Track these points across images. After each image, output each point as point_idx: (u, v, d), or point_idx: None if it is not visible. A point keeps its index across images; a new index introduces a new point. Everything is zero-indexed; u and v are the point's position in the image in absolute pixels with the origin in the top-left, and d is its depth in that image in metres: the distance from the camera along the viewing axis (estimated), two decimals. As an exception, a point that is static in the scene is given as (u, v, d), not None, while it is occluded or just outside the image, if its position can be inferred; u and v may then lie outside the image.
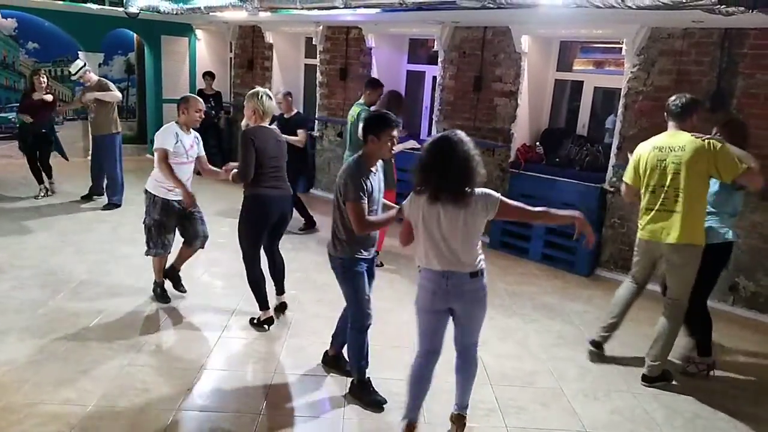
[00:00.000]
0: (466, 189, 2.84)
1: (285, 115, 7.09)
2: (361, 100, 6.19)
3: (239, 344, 4.27)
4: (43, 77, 7.23)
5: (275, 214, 4.36)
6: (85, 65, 7.42)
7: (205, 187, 8.43)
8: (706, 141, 3.69)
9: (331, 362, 3.93)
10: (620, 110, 5.98)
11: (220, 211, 7.71)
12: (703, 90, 5.37)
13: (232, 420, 3.31)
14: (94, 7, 9.93)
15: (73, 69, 7.37)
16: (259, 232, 4.33)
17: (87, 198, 7.64)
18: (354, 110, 6.11)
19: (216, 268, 5.70)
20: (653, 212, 3.86)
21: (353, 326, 3.53)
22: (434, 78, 7.70)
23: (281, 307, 4.75)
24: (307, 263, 5.92)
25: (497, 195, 2.97)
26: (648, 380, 4.02)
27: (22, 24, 9.87)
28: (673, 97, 3.92)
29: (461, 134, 2.95)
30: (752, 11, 3.73)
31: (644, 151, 3.93)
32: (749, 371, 4.32)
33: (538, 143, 6.89)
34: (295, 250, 6.29)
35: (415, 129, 8.35)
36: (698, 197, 3.75)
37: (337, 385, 3.75)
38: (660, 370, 4.01)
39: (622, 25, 5.65)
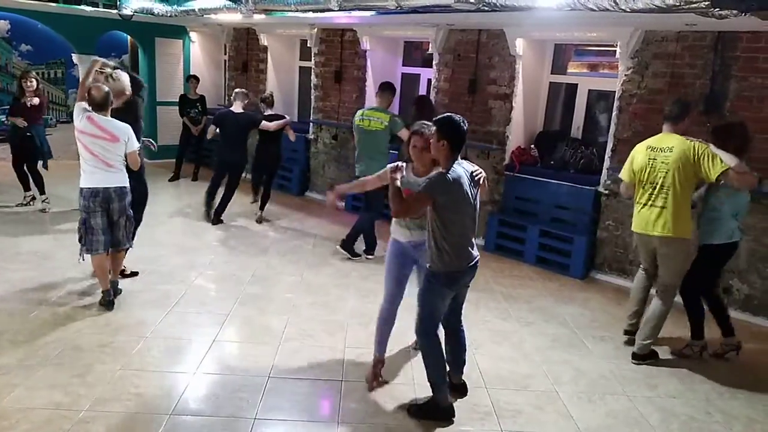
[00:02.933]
0: None
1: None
2: (379, 105, 6.10)
3: (233, 348, 4.25)
4: (31, 80, 7.14)
5: None
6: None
7: (198, 189, 8.40)
8: (693, 143, 4.06)
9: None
10: (614, 113, 5.99)
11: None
12: (697, 93, 5.39)
13: (226, 425, 3.28)
14: (88, 9, 9.91)
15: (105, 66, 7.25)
16: None
17: None
18: (374, 114, 5.99)
19: (210, 272, 5.67)
20: (644, 207, 4.25)
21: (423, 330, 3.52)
22: (429, 81, 7.70)
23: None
24: (302, 267, 5.90)
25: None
26: (638, 358, 4.34)
27: (15, 26, 9.84)
28: (669, 103, 4.33)
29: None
30: (745, 14, 3.75)
31: (638, 151, 4.32)
32: (743, 374, 4.33)
33: (532, 146, 6.90)
34: (291, 253, 6.27)
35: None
36: (684, 195, 4.11)
37: (332, 388, 3.73)
38: (649, 349, 4.36)
39: (616, 28, 5.67)
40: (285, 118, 7.33)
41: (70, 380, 3.59)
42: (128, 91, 4.95)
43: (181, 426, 3.26)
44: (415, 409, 3.49)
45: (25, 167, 7.36)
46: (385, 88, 6.17)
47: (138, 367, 3.82)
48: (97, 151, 4.47)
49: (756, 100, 5.14)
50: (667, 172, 4.08)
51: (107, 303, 4.63)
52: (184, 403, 3.46)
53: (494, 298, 5.42)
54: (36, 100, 7.04)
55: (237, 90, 7.39)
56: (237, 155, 7.19)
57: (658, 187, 4.13)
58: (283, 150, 7.59)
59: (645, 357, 4.34)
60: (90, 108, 4.49)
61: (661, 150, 4.13)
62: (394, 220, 3.65)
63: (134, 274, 5.30)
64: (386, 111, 6.05)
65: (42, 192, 7.33)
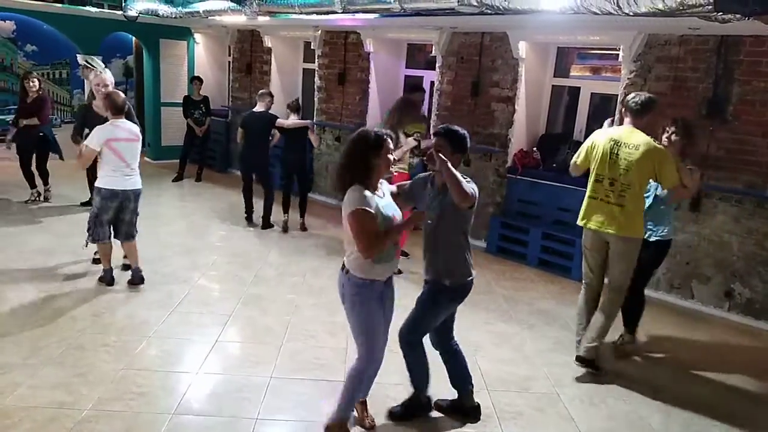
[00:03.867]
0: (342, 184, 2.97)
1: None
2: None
3: (235, 348, 4.27)
4: (33, 81, 7.19)
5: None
6: (98, 67, 7.30)
7: (201, 190, 8.44)
8: (658, 147, 3.94)
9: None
10: (617, 116, 5.99)
11: (219, 214, 7.71)
12: (700, 97, 5.40)
13: (228, 425, 3.30)
14: (93, 10, 9.96)
15: (95, 64, 7.32)
16: None
17: (87, 204, 7.47)
18: None
19: (213, 272, 5.69)
20: (596, 202, 4.07)
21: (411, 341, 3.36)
22: (432, 83, 7.72)
23: None
24: (304, 268, 5.92)
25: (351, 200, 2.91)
26: (581, 361, 4.13)
27: (20, 26, 9.88)
28: (632, 95, 4.13)
29: (362, 132, 3.02)
30: (748, 18, 3.76)
31: (599, 140, 4.09)
32: (744, 377, 4.32)
33: (535, 149, 6.91)
34: (293, 254, 6.29)
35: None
36: (642, 193, 4.01)
37: (334, 389, 3.73)
38: (596, 353, 4.12)
39: (619, 31, 5.68)
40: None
41: (73, 379, 3.60)
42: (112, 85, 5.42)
43: (183, 426, 3.27)
44: (448, 407, 3.52)
45: (32, 167, 7.43)
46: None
47: (140, 367, 3.83)
48: (127, 156, 4.86)
49: (759, 104, 5.14)
50: (628, 170, 3.91)
51: (108, 280, 5.06)
52: (187, 403, 3.47)
53: (496, 301, 5.43)
54: (34, 121, 7.18)
55: (261, 91, 7.41)
56: (259, 156, 7.17)
57: (617, 183, 3.95)
58: (307, 153, 7.46)
59: (590, 362, 4.10)
60: (109, 115, 4.86)
61: (625, 145, 3.94)
62: (369, 258, 2.92)
63: (127, 267, 5.32)
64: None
65: (46, 183, 7.50)
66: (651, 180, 4.02)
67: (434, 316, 3.31)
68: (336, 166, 2.99)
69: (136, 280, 5.09)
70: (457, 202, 3.01)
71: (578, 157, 4.24)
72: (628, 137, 3.98)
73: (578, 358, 4.14)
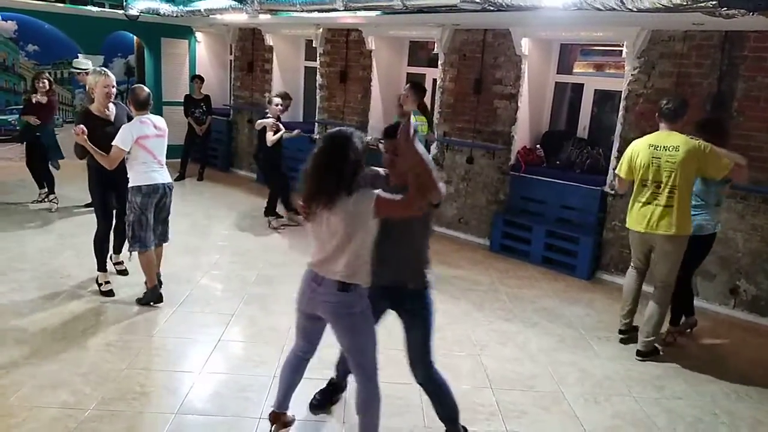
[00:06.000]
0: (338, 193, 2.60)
1: None
2: (414, 108, 5.66)
3: (238, 348, 4.26)
4: (43, 81, 7.20)
5: None
6: (87, 68, 7.28)
7: (203, 189, 8.42)
8: (697, 142, 4.08)
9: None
10: (621, 113, 5.97)
11: (221, 213, 7.70)
12: (704, 92, 5.37)
13: (231, 424, 3.29)
14: (94, 9, 9.96)
15: (77, 64, 7.31)
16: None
17: (90, 205, 7.41)
18: (415, 119, 5.49)
19: (216, 271, 5.68)
20: (644, 205, 4.24)
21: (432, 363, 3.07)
22: (434, 81, 7.70)
23: None
24: (304, 267, 5.88)
25: (373, 192, 2.63)
26: (643, 355, 4.39)
27: (22, 26, 9.88)
28: (665, 101, 4.29)
29: (345, 133, 2.69)
30: (752, 14, 3.73)
31: (640, 148, 4.28)
32: (750, 375, 4.30)
33: (538, 146, 6.88)
34: (295, 253, 6.27)
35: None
36: (688, 193, 4.16)
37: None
38: (653, 346, 4.42)
39: (623, 27, 5.65)
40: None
41: (76, 379, 3.60)
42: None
43: (187, 425, 3.26)
44: None
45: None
46: (418, 90, 5.84)
47: (143, 367, 3.83)
48: (157, 151, 4.67)
49: (763, 100, 5.10)
50: (672, 171, 4.07)
51: (156, 297, 4.75)
52: (190, 403, 3.46)
53: (499, 299, 5.41)
54: (44, 99, 7.08)
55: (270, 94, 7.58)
56: (258, 153, 7.46)
57: (663, 185, 4.12)
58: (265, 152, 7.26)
59: (650, 353, 4.39)
60: (133, 111, 4.65)
61: (665, 149, 4.12)
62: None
63: (123, 273, 5.31)
64: (420, 114, 5.81)
65: (51, 192, 7.39)
66: (698, 175, 4.15)
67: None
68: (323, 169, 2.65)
69: (153, 296, 4.77)
70: (427, 201, 2.58)
71: (620, 170, 4.42)
72: (666, 140, 4.14)
73: (639, 353, 4.40)
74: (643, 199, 4.24)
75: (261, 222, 7.35)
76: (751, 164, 5.15)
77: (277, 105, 7.10)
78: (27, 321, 4.33)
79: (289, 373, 3.14)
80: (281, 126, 6.95)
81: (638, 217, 4.28)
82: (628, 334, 4.62)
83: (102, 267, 4.97)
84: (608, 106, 6.76)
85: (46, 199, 7.46)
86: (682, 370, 4.29)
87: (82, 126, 4.53)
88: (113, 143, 4.51)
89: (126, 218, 4.70)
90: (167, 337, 4.27)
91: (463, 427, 3.24)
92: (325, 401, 3.48)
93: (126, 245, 4.86)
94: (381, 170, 2.96)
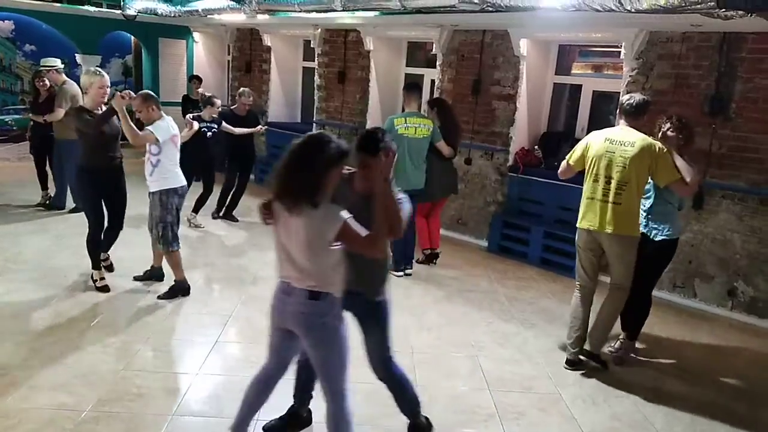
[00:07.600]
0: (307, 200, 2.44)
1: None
2: (415, 110, 5.70)
3: (236, 349, 4.24)
4: (43, 80, 7.18)
5: None
6: (58, 65, 7.18)
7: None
8: (653, 143, 3.91)
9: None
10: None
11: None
12: (702, 94, 5.37)
13: (228, 425, 3.27)
14: (92, 9, 9.95)
15: (45, 62, 7.20)
16: None
17: (75, 210, 7.05)
18: (419, 121, 5.56)
19: (212, 272, 5.67)
20: (593, 202, 4.03)
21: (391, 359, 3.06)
22: (432, 81, 7.69)
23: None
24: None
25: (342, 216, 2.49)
26: (572, 364, 4.18)
27: (19, 26, 9.85)
28: (626, 96, 4.10)
29: (321, 137, 2.56)
30: (751, 15, 3.74)
31: (595, 140, 4.09)
32: (748, 377, 4.30)
33: (536, 147, 6.88)
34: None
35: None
36: (639, 192, 3.96)
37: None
38: (600, 350, 4.21)
39: (621, 28, 5.65)
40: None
41: (73, 380, 3.58)
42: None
43: (184, 426, 3.25)
44: None
45: (47, 167, 7.39)
46: (415, 90, 5.81)
47: (140, 368, 3.81)
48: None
49: (761, 101, 5.11)
50: (624, 168, 3.87)
51: (185, 289, 4.95)
52: (187, 404, 3.45)
53: (497, 300, 5.40)
54: (45, 93, 7.06)
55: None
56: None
57: (613, 182, 3.92)
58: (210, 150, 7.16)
59: (596, 355, 4.18)
60: (156, 113, 4.71)
61: (621, 143, 3.92)
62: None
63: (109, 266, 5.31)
64: (427, 116, 5.76)
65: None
66: (649, 177, 3.98)
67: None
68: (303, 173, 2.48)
69: (183, 288, 4.97)
70: (390, 238, 2.55)
71: (571, 158, 4.22)
72: (622, 135, 3.97)
73: (568, 361, 4.19)
74: (593, 196, 4.02)
75: (259, 222, 7.34)
76: (749, 166, 5.19)
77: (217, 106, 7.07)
78: (24, 322, 4.31)
79: (254, 394, 2.90)
80: (194, 123, 6.42)
81: (588, 215, 4.05)
82: (577, 366, 4.18)
83: (96, 265, 4.97)
84: (607, 108, 6.76)
85: (49, 201, 7.43)
86: (679, 371, 4.29)
87: (129, 91, 4.63)
88: (150, 128, 4.60)
89: (160, 221, 4.74)
90: (164, 339, 4.25)
91: (425, 417, 3.25)
92: (281, 428, 3.25)
93: (160, 246, 4.88)
94: (350, 170, 2.78)
